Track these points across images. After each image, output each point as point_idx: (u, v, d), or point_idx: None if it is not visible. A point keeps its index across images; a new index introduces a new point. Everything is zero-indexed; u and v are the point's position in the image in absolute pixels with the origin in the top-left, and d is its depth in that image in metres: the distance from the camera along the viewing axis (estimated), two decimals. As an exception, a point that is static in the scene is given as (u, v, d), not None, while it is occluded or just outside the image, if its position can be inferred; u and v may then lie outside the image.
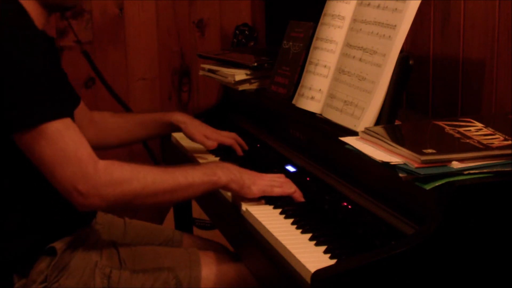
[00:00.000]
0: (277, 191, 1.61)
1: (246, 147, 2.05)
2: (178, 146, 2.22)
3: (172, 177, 1.52)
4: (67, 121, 1.46)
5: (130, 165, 1.51)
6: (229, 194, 1.68)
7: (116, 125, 2.06)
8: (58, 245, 1.60)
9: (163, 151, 2.46)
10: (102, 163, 1.46)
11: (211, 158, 2.03)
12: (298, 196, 1.62)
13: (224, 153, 2.03)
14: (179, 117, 2.06)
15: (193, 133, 2.02)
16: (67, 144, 1.43)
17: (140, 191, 1.48)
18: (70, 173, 1.43)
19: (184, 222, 2.45)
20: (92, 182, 1.43)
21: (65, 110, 1.47)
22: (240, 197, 1.62)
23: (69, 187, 1.43)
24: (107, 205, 1.48)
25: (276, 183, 1.63)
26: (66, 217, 1.64)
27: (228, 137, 2.04)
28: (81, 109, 1.92)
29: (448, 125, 1.43)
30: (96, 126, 2.01)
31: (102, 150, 1.79)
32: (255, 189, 1.60)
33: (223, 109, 2.45)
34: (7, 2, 1.54)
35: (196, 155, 2.06)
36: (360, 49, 1.60)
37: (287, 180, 1.66)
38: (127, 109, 2.87)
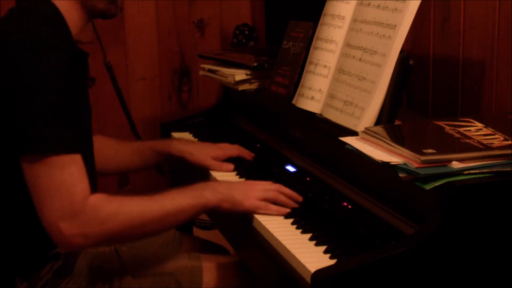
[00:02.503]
0: (273, 208, 1.55)
1: (252, 154, 1.98)
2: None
3: (159, 205, 1.49)
4: (74, 157, 1.42)
5: (117, 198, 1.47)
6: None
7: (114, 153, 1.99)
8: (63, 250, 1.60)
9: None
10: (91, 200, 1.42)
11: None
12: (292, 203, 1.58)
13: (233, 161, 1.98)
14: (180, 147, 1.96)
15: (202, 161, 1.92)
16: (64, 179, 1.40)
17: (128, 225, 1.45)
18: (56, 208, 1.39)
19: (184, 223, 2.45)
20: (76, 221, 1.39)
21: (77, 145, 1.44)
22: None
23: (51, 222, 1.40)
24: (93, 243, 1.44)
25: (269, 193, 1.58)
26: None
27: (232, 149, 1.97)
28: None
29: (448, 125, 1.43)
30: (95, 151, 1.90)
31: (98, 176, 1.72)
32: (247, 204, 1.55)
33: (223, 109, 2.44)
34: (43, 8, 1.52)
35: None
36: (360, 49, 1.60)
37: (281, 188, 1.61)
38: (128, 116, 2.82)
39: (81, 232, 1.40)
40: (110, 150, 1.98)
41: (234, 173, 1.87)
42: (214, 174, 1.87)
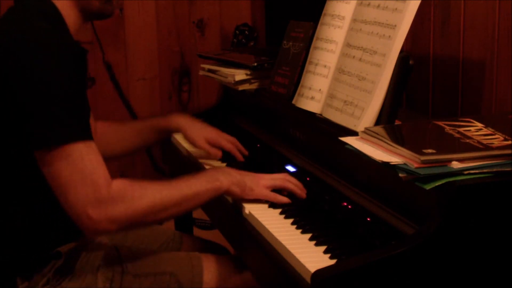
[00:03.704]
0: (281, 199, 1.61)
1: (246, 152, 2.00)
2: (179, 148, 2.20)
3: (178, 189, 1.52)
4: (89, 143, 1.44)
5: (139, 183, 1.49)
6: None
7: (116, 135, 2.02)
8: (64, 249, 1.60)
9: (163, 153, 2.45)
10: (115, 185, 1.44)
11: (215, 163, 1.98)
12: (300, 191, 1.63)
13: (226, 155, 1.99)
14: (178, 121, 2.02)
15: (195, 138, 1.98)
16: (85, 166, 1.41)
17: (150, 209, 1.47)
18: (82, 196, 1.40)
19: (184, 223, 2.45)
20: (103, 206, 1.41)
21: (89, 133, 1.45)
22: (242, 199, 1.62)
23: (79, 210, 1.41)
24: (118, 227, 1.45)
25: (277, 181, 1.63)
26: (72, 223, 1.62)
27: (228, 142, 1.99)
28: None
29: (448, 125, 1.43)
30: (98, 138, 1.91)
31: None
32: (257, 191, 1.61)
33: (223, 109, 2.44)
34: (42, 6, 1.53)
35: (200, 160, 2.01)
36: (360, 49, 1.60)
37: (288, 177, 1.66)
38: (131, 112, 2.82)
39: (109, 217, 1.41)
40: (113, 134, 2.02)
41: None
42: (207, 166, 1.92)
